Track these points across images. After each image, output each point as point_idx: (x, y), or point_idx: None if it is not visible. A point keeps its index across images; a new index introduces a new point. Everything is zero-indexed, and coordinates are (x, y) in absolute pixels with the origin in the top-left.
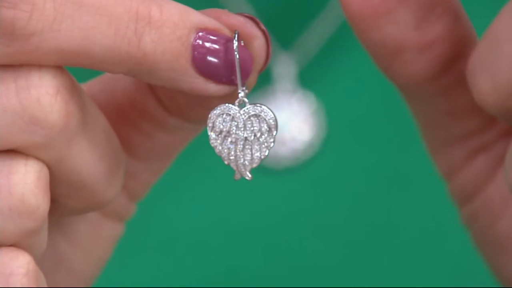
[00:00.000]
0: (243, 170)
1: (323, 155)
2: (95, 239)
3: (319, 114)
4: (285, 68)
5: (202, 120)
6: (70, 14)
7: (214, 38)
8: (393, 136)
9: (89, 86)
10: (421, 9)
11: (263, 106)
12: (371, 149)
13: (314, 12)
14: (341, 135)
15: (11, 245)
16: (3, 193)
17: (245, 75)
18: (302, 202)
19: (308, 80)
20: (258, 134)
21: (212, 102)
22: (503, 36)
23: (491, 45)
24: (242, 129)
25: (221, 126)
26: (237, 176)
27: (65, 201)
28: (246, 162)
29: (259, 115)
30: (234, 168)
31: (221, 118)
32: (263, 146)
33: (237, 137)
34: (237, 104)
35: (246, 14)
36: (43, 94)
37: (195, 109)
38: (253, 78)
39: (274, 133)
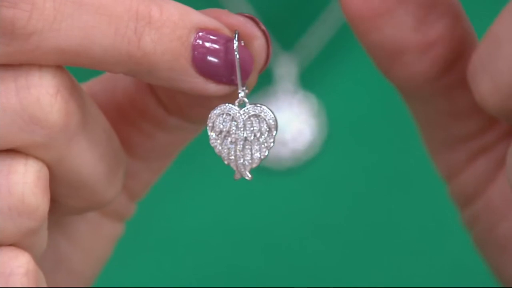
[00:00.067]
0: (243, 170)
1: (324, 156)
2: (95, 239)
3: (319, 115)
4: (286, 69)
5: (202, 120)
6: (70, 13)
7: (214, 38)
8: (393, 137)
9: (89, 86)
10: (420, 10)
11: (263, 106)
12: (371, 150)
13: (315, 13)
14: (342, 136)
15: (11, 245)
16: (3, 193)
17: (245, 75)
18: (302, 203)
19: (309, 81)
20: (258, 134)
21: (212, 102)
22: (504, 37)
23: (491, 46)
24: (242, 129)
25: (221, 126)
26: (237, 176)
27: (65, 200)
28: (246, 162)
29: (259, 115)
30: (234, 168)
31: (221, 118)
32: (263, 146)
33: (237, 137)
34: (237, 104)
35: (246, 14)
36: (43, 94)
37: (195, 109)
38: (253, 78)
39: (274, 133)
